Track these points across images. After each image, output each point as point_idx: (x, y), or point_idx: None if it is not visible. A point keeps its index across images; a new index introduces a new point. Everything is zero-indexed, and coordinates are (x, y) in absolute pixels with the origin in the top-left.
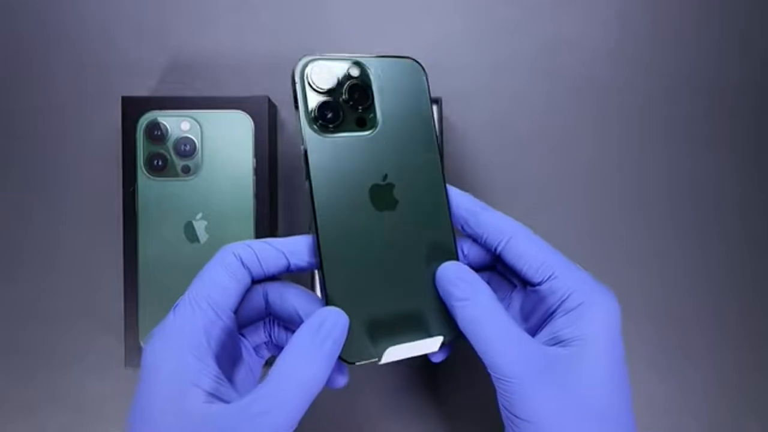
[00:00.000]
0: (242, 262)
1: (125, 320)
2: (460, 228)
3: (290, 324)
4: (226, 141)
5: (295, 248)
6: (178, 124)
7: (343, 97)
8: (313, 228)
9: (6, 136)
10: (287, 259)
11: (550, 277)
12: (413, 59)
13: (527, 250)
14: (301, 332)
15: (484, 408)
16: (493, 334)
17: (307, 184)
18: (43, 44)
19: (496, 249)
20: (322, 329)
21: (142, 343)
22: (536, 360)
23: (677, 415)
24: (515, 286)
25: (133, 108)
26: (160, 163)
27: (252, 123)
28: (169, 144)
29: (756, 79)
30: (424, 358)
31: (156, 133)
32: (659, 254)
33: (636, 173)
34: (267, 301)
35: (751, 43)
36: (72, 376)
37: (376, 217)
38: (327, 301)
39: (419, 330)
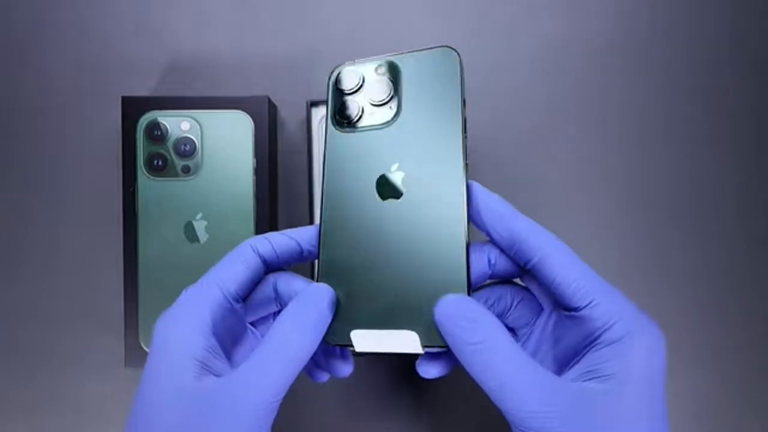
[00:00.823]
0: (256, 251)
1: (125, 320)
2: (485, 233)
3: None
4: (226, 141)
5: (307, 236)
6: (178, 124)
7: (364, 93)
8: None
9: (6, 136)
10: (299, 246)
11: (590, 303)
12: (449, 47)
13: (565, 270)
14: (289, 306)
15: (484, 410)
16: (509, 376)
17: (322, 171)
18: (43, 44)
19: (527, 263)
20: (308, 302)
21: (142, 343)
22: (564, 398)
23: (677, 415)
24: (542, 309)
25: (133, 108)
26: (160, 163)
27: (252, 123)
28: (169, 144)
29: (756, 78)
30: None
31: (156, 133)
32: (659, 254)
33: (636, 173)
34: (276, 292)
35: (751, 43)
36: (72, 376)
37: (380, 206)
38: (317, 280)
39: (399, 323)
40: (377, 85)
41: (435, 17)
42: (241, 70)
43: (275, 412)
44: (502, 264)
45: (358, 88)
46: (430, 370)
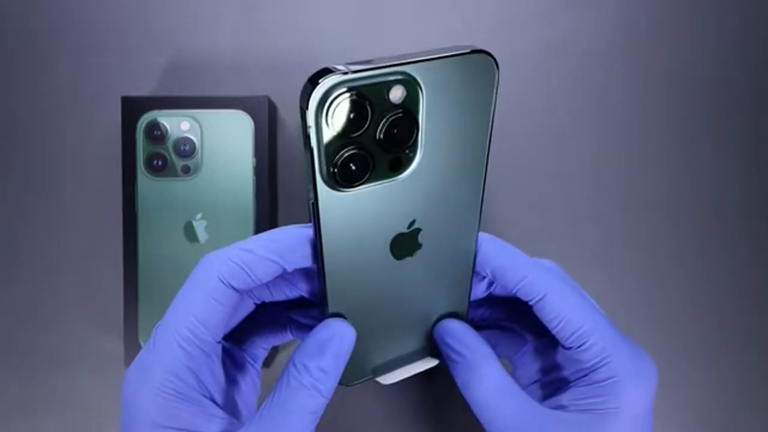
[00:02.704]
0: (227, 284)
1: (125, 320)
2: (489, 278)
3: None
4: (226, 141)
5: (288, 248)
6: (178, 124)
7: (378, 138)
8: (320, 275)
9: (6, 136)
10: (280, 264)
11: (583, 345)
12: (485, 52)
13: (562, 311)
14: (305, 349)
15: None
16: (494, 401)
17: (315, 239)
18: (43, 44)
19: (528, 303)
20: (330, 346)
21: (142, 343)
22: (547, 428)
23: (677, 415)
24: (525, 341)
25: (133, 108)
26: (160, 163)
27: (252, 123)
28: (169, 144)
29: (759, 75)
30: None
31: (156, 133)
32: (659, 254)
33: (636, 173)
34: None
35: (754, 41)
36: (72, 376)
37: (394, 265)
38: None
39: (415, 355)
40: (391, 119)
41: (435, 17)
42: (241, 70)
43: None
44: (490, 313)
45: (366, 129)
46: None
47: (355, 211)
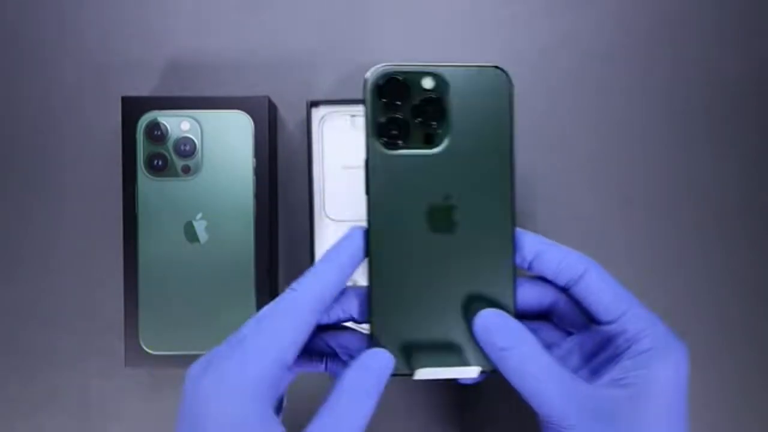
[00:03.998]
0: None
1: (125, 320)
2: (526, 267)
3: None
4: (226, 141)
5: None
6: (178, 124)
7: (413, 111)
8: (367, 245)
9: (6, 136)
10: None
11: (621, 316)
12: (499, 68)
13: (599, 286)
14: (349, 380)
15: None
16: (541, 380)
17: (366, 198)
18: (42, 44)
19: (566, 285)
20: (370, 374)
21: (142, 343)
22: (591, 402)
23: None
24: (570, 334)
25: (133, 108)
26: (160, 163)
27: (252, 123)
28: (169, 144)
29: (759, 76)
30: None
31: (156, 133)
32: (659, 254)
33: (636, 173)
34: (330, 347)
35: (751, 42)
36: (72, 376)
37: (431, 238)
38: (371, 314)
39: (459, 358)
40: (427, 103)
41: (435, 17)
42: (241, 70)
43: None
44: (532, 296)
45: (405, 101)
46: (470, 381)
47: (396, 172)
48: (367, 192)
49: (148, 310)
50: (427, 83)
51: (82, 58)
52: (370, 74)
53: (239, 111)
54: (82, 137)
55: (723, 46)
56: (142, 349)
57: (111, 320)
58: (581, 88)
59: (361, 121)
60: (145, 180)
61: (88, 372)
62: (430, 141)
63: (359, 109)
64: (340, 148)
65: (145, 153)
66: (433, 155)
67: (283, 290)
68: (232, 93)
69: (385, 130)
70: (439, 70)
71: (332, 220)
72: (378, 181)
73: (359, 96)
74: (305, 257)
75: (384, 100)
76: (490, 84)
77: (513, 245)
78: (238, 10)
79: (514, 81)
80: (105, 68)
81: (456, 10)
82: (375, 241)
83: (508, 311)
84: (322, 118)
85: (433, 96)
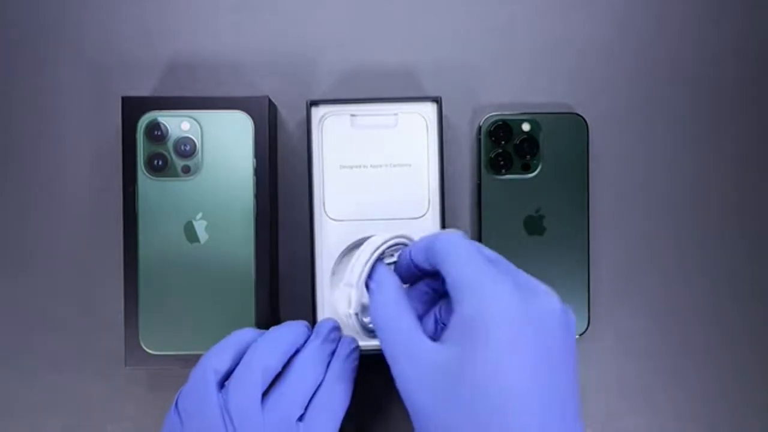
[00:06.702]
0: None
1: (125, 320)
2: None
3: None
4: (226, 141)
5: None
6: (178, 124)
7: (515, 147)
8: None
9: (6, 136)
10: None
11: (459, 288)
12: (579, 115)
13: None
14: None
15: None
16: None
17: (477, 211)
18: (43, 44)
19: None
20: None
21: (142, 343)
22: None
23: (677, 415)
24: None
25: (133, 108)
26: (160, 163)
27: (252, 123)
28: (169, 144)
29: (759, 77)
30: None
31: (156, 133)
32: (659, 254)
33: (635, 173)
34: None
35: (751, 42)
36: (72, 376)
37: (527, 240)
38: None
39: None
40: (525, 142)
41: (435, 18)
42: (241, 70)
43: None
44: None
45: (508, 140)
46: None
47: (502, 191)
48: (479, 206)
49: (148, 310)
50: (525, 126)
51: (82, 58)
52: (483, 122)
53: (239, 111)
54: (82, 137)
55: (723, 46)
56: (142, 349)
57: (111, 320)
58: (581, 87)
59: (361, 121)
60: (145, 180)
61: (88, 372)
62: (527, 168)
63: (359, 109)
64: (340, 148)
65: (145, 153)
66: (529, 179)
67: (282, 290)
68: (232, 93)
69: (494, 162)
70: (534, 117)
71: (332, 219)
72: (486, 199)
73: (359, 95)
74: (305, 257)
75: (493, 139)
76: (572, 126)
77: (588, 244)
78: (238, 10)
79: (514, 81)
80: (105, 68)
81: (455, 10)
82: (484, 239)
83: (580, 294)
84: (322, 117)
85: (527, 136)
